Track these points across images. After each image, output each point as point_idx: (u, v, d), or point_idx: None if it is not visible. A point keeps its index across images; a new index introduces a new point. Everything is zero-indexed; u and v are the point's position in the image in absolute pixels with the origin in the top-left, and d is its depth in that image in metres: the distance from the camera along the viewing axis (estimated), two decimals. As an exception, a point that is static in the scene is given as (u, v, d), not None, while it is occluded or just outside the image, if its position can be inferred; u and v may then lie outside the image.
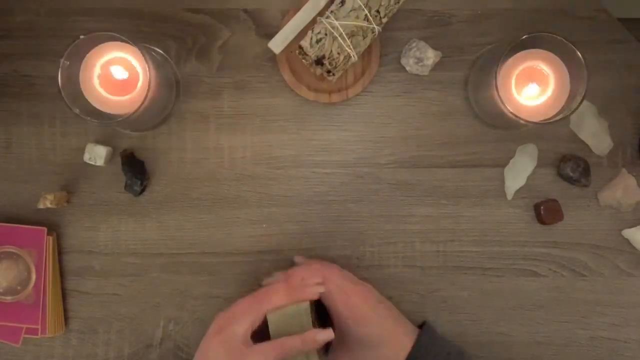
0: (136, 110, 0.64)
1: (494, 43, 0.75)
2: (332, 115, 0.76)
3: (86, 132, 0.75)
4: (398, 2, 0.71)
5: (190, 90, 0.75)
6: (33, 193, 0.74)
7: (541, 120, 0.67)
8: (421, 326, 0.68)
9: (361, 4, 0.69)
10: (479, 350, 0.76)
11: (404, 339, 0.66)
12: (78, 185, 0.75)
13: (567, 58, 0.67)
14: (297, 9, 0.74)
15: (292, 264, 0.75)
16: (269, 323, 0.62)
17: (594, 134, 0.75)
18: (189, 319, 0.76)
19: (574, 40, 0.65)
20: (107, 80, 0.68)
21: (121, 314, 0.76)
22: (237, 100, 0.75)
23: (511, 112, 0.65)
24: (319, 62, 0.70)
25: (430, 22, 0.75)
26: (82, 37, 0.65)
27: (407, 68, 0.74)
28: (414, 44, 0.74)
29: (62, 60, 0.64)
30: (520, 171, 0.75)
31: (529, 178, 0.75)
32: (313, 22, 0.73)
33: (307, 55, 0.70)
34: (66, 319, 0.75)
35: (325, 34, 0.69)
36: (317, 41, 0.69)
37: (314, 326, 0.63)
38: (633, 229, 0.75)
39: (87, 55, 0.67)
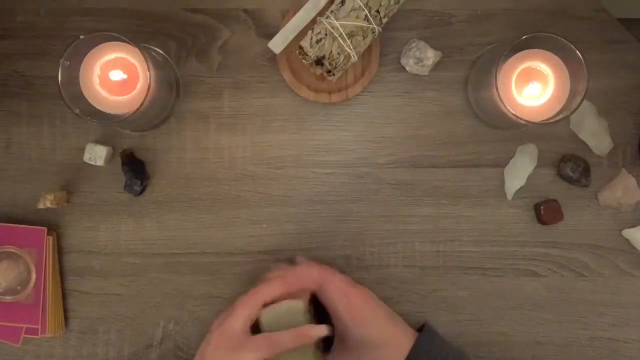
0: (136, 110, 0.64)
1: (494, 43, 0.75)
2: (332, 115, 0.76)
3: (86, 132, 0.75)
4: (398, 2, 0.71)
5: (190, 90, 0.75)
6: (33, 193, 0.74)
7: (541, 120, 0.67)
8: (421, 329, 0.68)
9: (361, 4, 0.69)
10: (479, 350, 0.76)
11: (403, 340, 0.66)
12: (78, 185, 0.75)
13: (567, 58, 0.67)
14: (297, 9, 0.74)
15: (291, 262, 0.75)
16: (262, 320, 0.62)
17: (594, 134, 0.75)
18: (189, 319, 0.76)
19: (574, 40, 0.65)
20: (107, 80, 0.68)
21: (121, 314, 0.76)
22: (237, 100, 0.75)
23: (511, 112, 0.65)
24: (319, 62, 0.70)
25: (430, 22, 0.75)
26: (82, 37, 0.65)
27: (407, 68, 0.74)
28: (414, 44, 0.74)
29: (62, 60, 0.64)
30: (520, 171, 0.75)
31: (529, 178, 0.75)
32: (313, 22, 0.73)
33: (307, 55, 0.70)
34: (66, 319, 0.75)
35: (325, 34, 0.69)
36: (317, 41, 0.69)
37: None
38: (633, 229, 0.75)
39: (87, 55, 0.67)
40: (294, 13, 0.74)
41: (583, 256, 0.76)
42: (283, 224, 0.76)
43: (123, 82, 0.68)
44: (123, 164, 0.74)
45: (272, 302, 0.63)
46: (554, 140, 0.76)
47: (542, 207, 0.74)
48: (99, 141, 0.74)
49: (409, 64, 0.74)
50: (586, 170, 0.74)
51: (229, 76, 0.75)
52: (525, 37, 0.65)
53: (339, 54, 0.70)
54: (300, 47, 0.70)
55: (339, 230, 0.76)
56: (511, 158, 0.75)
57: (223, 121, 0.76)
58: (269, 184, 0.76)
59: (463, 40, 0.75)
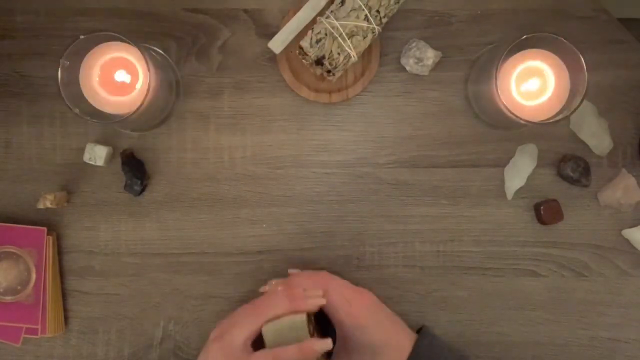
0: (136, 110, 0.64)
1: (494, 43, 0.75)
2: (332, 115, 0.76)
3: (86, 132, 0.75)
4: (398, 2, 0.71)
5: (190, 90, 0.75)
6: (33, 193, 0.74)
7: (541, 120, 0.67)
8: (419, 331, 0.68)
9: (361, 4, 0.69)
10: (479, 350, 0.76)
11: (404, 343, 0.66)
12: (78, 185, 0.75)
13: (567, 58, 0.67)
14: (297, 9, 0.74)
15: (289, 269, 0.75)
16: (264, 335, 0.61)
17: (594, 134, 0.75)
18: (189, 319, 0.76)
19: (574, 40, 0.65)
20: (107, 80, 0.68)
21: (121, 314, 0.76)
22: (237, 100, 0.75)
23: (511, 112, 0.65)
24: (319, 62, 0.70)
25: (430, 22, 0.75)
26: (82, 37, 0.65)
27: (407, 68, 0.74)
28: (414, 44, 0.74)
29: (62, 60, 0.64)
30: (520, 171, 0.75)
31: (529, 178, 0.75)
32: (313, 22, 0.73)
33: (307, 55, 0.70)
34: (66, 319, 0.75)
35: (325, 34, 0.69)
36: (317, 41, 0.69)
37: (312, 337, 0.62)
38: (633, 229, 0.75)
39: (87, 55, 0.67)
40: (294, 13, 0.74)
41: (583, 256, 0.76)
42: (283, 224, 0.76)
43: (123, 82, 0.68)
44: (123, 164, 0.74)
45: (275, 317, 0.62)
46: (554, 140, 0.76)
47: (542, 207, 0.74)
48: (99, 141, 0.74)
49: (409, 64, 0.74)
50: (586, 170, 0.74)
51: (229, 76, 0.75)
52: (525, 37, 0.65)
53: (339, 54, 0.70)
54: (300, 47, 0.70)
55: (339, 230, 0.76)
56: (511, 158, 0.75)
57: (223, 121, 0.76)
58: (269, 184, 0.76)
59: (463, 40, 0.75)
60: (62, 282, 0.75)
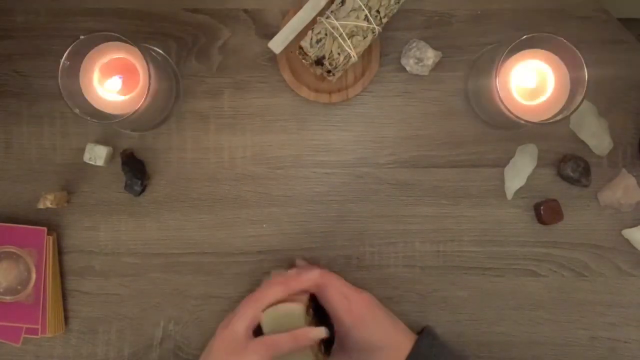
0: (136, 111, 0.65)
1: (494, 43, 0.75)
2: (332, 115, 0.76)
3: (86, 132, 0.75)
4: (398, 2, 0.71)
5: (190, 90, 0.75)
6: (33, 193, 0.74)
7: (541, 120, 0.67)
8: (421, 333, 0.68)
9: (361, 4, 0.69)
10: (479, 350, 0.76)
11: (403, 343, 0.66)
12: (78, 185, 0.75)
13: (567, 58, 0.67)
14: (297, 9, 0.74)
15: (291, 265, 0.75)
16: (262, 324, 0.62)
17: (594, 134, 0.75)
18: (189, 319, 0.76)
19: (574, 40, 0.65)
20: (105, 82, 0.68)
21: (121, 314, 0.76)
22: (237, 100, 0.75)
23: (511, 112, 0.65)
24: (319, 62, 0.70)
25: (430, 22, 0.75)
26: (82, 37, 0.65)
27: (407, 68, 0.74)
28: (414, 44, 0.74)
29: (62, 60, 0.64)
30: (520, 171, 0.75)
31: (529, 178, 0.75)
32: (313, 22, 0.73)
33: (307, 55, 0.70)
34: (66, 319, 0.75)
35: (325, 34, 0.69)
36: (317, 41, 0.69)
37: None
38: (633, 229, 0.75)
39: (87, 55, 0.67)
40: (294, 13, 0.74)
41: (583, 256, 0.76)
42: (283, 224, 0.76)
43: (123, 82, 0.68)
44: (123, 164, 0.74)
45: (274, 305, 0.63)
46: (554, 140, 0.76)
47: (542, 207, 0.74)
48: (99, 141, 0.74)
49: (409, 64, 0.74)
50: (586, 170, 0.74)
51: (229, 76, 0.75)
52: (525, 37, 0.65)
53: (339, 54, 0.70)
54: (300, 47, 0.70)
55: (339, 230, 0.76)
56: (511, 158, 0.75)
57: (223, 121, 0.76)
58: (269, 184, 0.76)
59: (463, 40, 0.75)
60: (62, 282, 0.75)
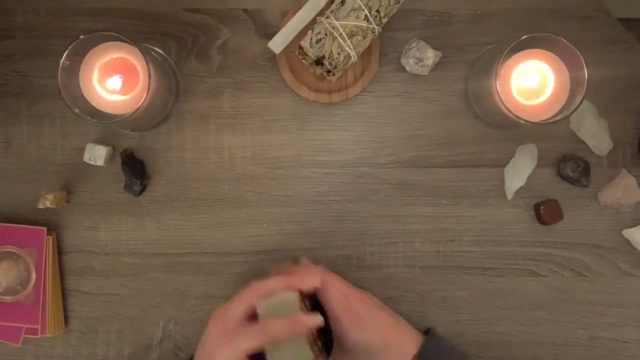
0: (136, 110, 0.65)
1: (494, 43, 0.75)
2: (332, 115, 0.76)
3: (86, 132, 0.75)
4: (398, 2, 0.71)
5: (190, 90, 0.75)
6: (33, 193, 0.74)
7: (541, 120, 0.67)
8: (426, 332, 0.68)
9: (361, 4, 0.69)
10: (479, 350, 0.76)
11: (407, 345, 0.64)
12: (78, 185, 0.75)
13: (567, 58, 0.67)
14: (297, 9, 0.74)
15: (295, 261, 0.74)
16: (258, 312, 0.62)
17: (594, 134, 0.75)
18: (189, 319, 0.76)
19: (574, 40, 0.65)
20: (105, 82, 0.68)
21: (121, 314, 0.76)
22: (237, 100, 0.75)
23: (511, 112, 0.65)
24: (319, 62, 0.70)
25: (430, 22, 0.75)
26: (82, 37, 0.65)
27: (407, 68, 0.74)
28: (414, 44, 0.74)
29: (62, 60, 0.64)
30: (520, 171, 0.75)
31: (529, 178, 0.75)
32: (313, 22, 0.73)
33: (307, 55, 0.70)
34: (66, 319, 0.75)
35: (325, 34, 0.69)
36: (317, 41, 0.69)
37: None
38: (633, 229, 0.75)
39: (87, 55, 0.67)
40: (294, 13, 0.74)
41: (583, 256, 0.76)
42: (283, 224, 0.76)
43: (123, 82, 0.68)
44: (123, 164, 0.74)
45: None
46: (554, 140, 0.76)
47: (542, 207, 0.74)
48: (99, 141, 0.74)
49: (409, 64, 0.74)
50: (586, 170, 0.74)
51: (229, 76, 0.75)
52: (525, 37, 0.65)
53: (339, 54, 0.70)
54: (300, 47, 0.70)
55: (339, 230, 0.76)
56: (511, 158, 0.75)
57: (223, 121, 0.76)
58: (269, 184, 0.76)
59: (463, 40, 0.75)
60: (62, 282, 0.75)
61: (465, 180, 0.76)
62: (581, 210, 0.76)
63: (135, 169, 0.74)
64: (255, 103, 0.75)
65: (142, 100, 0.64)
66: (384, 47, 0.75)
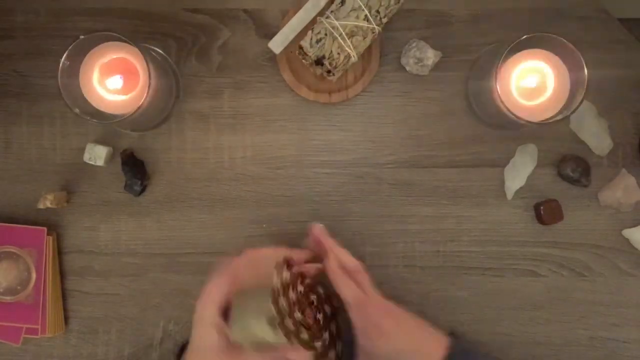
0: (136, 110, 0.65)
1: (494, 43, 0.75)
2: (332, 115, 0.76)
3: (86, 132, 0.75)
4: (398, 2, 0.71)
5: (190, 90, 0.75)
6: (33, 193, 0.74)
7: (541, 120, 0.67)
8: (450, 335, 0.66)
9: (361, 4, 0.69)
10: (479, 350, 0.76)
11: (434, 350, 0.62)
12: (78, 185, 0.75)
13: (567, 58, 0.67)
14: (297, 9, 0.74)
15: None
16: (232, 306, 0.61)
17: (594, 134, 0.75)
18: (189, 319, 0.75)
19: (574, 40, 0.65)
20: (106, 81, 0.68)
21: (121, 314, 0.76)
22: (237, 100, 0.75)
23: (511, 112, 0.65)
24: (319, 62, 0.70)
25: (430, 22, 0.75)
26: (82, 37, 0.65)
27: (407, 68, 0.74)
28: (414, 44, 0.74)
29: (62, 60, 0.64)
30: (520, 171, 0.75)
31: (529, 178, 0.75)
32: (313, 22, 0.73)
33: (307, 55, 0.70)
34: (66, 319, 0.75)
35: (325, 34, 0.69)
36: (317, 41, 0.69)
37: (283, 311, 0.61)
38: (633, 229, 0.75)
39: (87, 55, 0.68)
40: (294, 13, 0.74)
41: (583, 256, 0.76)
42: (283, 224, 0.76)
43: (123, 82, 0.68)
44: (123, 164, 0.74)
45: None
46: (554, 140, 0.76)
47: (542, 207, 0.74)
48: (99, 141, 0.74)
49: (409, 64, 0.74)
50: (586, 170, 0.74)
51: (229, 76, 0.75)
52: (525, 37, 0.65)
53: (339, 54, 0.70)
54: (300, 47, 0.70)
55: (339, 230, 0.76)
56: (511, 158, 0.75)
57: (223, 121, 0.76)
58: (269, 184, 0.76)
59: (463, 40, 0.75)
60: (62, 282, 0.75)
61: (465, 180, 0.76)
62: (581, 210, 0.76)
63: (135, 169, 0.74)
64: (255, 103, 0.75)
65: (142, 100, 0.64)
66: (384, 47, 0.75)
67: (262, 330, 0.58)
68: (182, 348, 0.65)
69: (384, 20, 0.71)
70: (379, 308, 0.64)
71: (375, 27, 0.70)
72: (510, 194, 0.75)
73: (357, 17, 0.69)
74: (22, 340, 0.74)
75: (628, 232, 0.75)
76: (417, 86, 0.76)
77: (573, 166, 0.74)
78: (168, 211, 0.76)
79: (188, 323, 0.76)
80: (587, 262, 0.76)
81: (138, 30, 0.75)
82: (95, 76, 0.68)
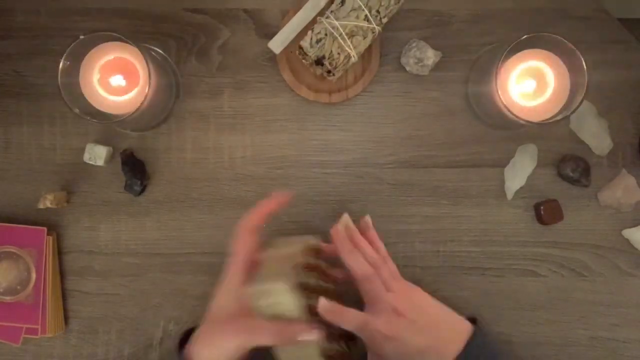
0: (136, 110, 0.65)
1: (494, 43, 0.75)
2: (332, 115, 0.76)
3: (86, 132, 0.75)
4: (398, 2, 0.71)
5: (190, 90, 0.75)
6: (33, 193, 0.74)
7: (541, 120, 0.67)
8: (473, 321, 0.66)
9: (361, 4, 0.69)
10: (479, 350, 0.76)
11: (448, 347, 0.63)
12: (78, 185, 0.75)
13: (567, 58, 0.67)
14: (297, 9, 0.74)
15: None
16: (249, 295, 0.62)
17: (594, 134, 0.75)
18: (189, 319, 0.76)
19: (574, 40, 0.65)
20: (107, 80, 0.68)
21: (121, 314, 0.76)
22: (237, 100, 0.75)
23: (511, 112, 0.65)
24: (319, 62, 0.70)
25: (430, 22, 0.75)
26: (82, 37, 0.65)
27: (407, 68, 0.74)
28: (414, 44, 0.74)
29: (62, 60, 0.64)
30: (520, 171, 0.75)
31: (529, 178, 0.75)
32: (313, 22, 0.73)
33: (307, 55, 0.70)
34: (66, 319, 0.75)
35: (325, 34, 0.69)
36: (317, 41, 0.69)
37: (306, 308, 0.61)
38: (633, 229, 0.75)
39: (87, 55, 0.68)
40: (294, 13, 0.74)
41: (583, 256, 0.76)
42: (283, 224, 0.76)
43: (123, 83, 0.68)
44: (123, 164, 0.74)
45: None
46: (554, 140, 0.76)
47: (542, 207, 0.74)
48: (99, 141, 0.74)
49: (409, 64, 0.74)
50: (586, 170, 0.74)
51: (229, 76, 0.75)
52: (525, 37, 0.65)
53: (339, 54, 0.70)
54: (300, 47, 0.70)
55: (339, 230, 0.76)
56: (511, 158, 0.75)
57: (223, 121, 0.76)
58: (269, 184, 0.76)
59: (463, 40, 0.75)
60: (62, 282, 0.75)
61: (465, 180, 0.76)
62: (581, 210, 0.76)
63: (135, 169, 0.74)
64: (255, 103, 0.75)
65: (142, 101, 0.64)
66: (384, 47, 0.75)
67: (284, 297, 0.59)
68: (187, 333, 0.65)
69: (384, 20, 0.71)
70: (384, 322, 0.62)
71: (375, 27, 0.70)
72: (510, 194, 0.75)
73: (357, 17, 0.69)
74: (22, 340, 0.74)
75: (628, 232, 0.75)
76: (417, 86, 0.76)
77: (573, 166, 0.74)
78: (168, 211, 0.76)
79: (188, 323, 0.76)
80: (587, 262, 0.76)
81: (138, 30, 0.75)
82: (95, 76, 0.68)
